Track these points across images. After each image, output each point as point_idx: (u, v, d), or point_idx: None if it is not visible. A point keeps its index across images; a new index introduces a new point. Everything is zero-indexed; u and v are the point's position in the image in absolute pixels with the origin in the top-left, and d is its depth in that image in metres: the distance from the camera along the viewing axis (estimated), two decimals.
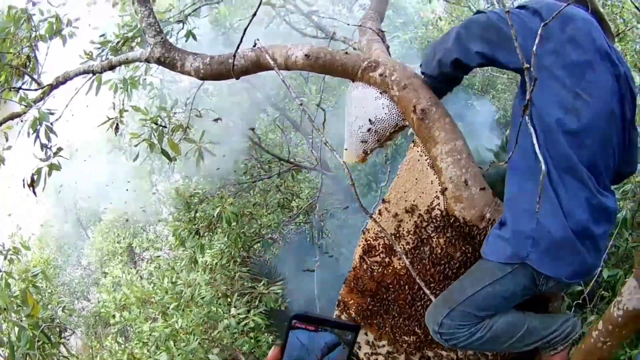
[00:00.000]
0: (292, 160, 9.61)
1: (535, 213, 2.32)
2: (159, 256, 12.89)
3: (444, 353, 3.16)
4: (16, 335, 4.92)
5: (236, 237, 8.15)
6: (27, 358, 5.23)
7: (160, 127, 6.19)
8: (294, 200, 10.28)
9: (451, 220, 2.78)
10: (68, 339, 10.40)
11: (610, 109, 2.43)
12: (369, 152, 3.19)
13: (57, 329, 6.03)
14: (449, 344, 2.64)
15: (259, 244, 8.83)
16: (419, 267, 2.92)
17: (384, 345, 3.27)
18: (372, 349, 3.30)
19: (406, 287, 3.03)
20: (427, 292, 2.86)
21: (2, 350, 5.09)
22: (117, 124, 6.24)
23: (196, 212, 8.71)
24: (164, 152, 6.12)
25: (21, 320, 5.12)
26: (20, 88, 5.51)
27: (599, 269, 2.66)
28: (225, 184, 9.53)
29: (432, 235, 2.86)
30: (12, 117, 5.49)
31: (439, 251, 2.85)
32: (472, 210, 2.70)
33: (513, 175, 2.54)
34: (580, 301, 4.61)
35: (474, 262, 2.75)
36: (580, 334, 2.74)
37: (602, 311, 5.01)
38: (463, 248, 2.80)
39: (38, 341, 5.12)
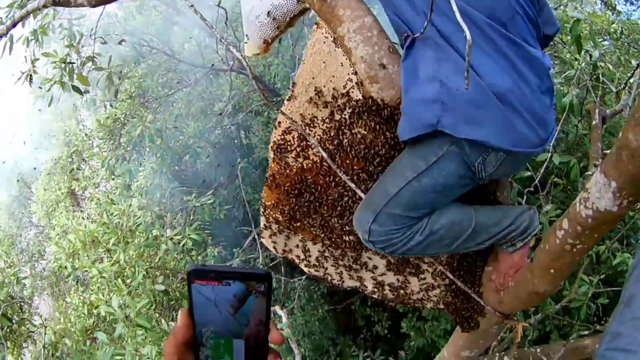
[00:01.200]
0: (207, 64, 9.36)
1: (437, 78, 2.13)
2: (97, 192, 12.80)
3: (386, 260, 3.04)
4: None
5: (163, 153, 7.99)
6: None
7: (69, 64, 6.03)
8: (217, 104, 10.09)
9: (369, 103, 2.57)
10: (35, 310, 10.36)
11: None
12: (269, 42, 2.98)
13: (18, 305, 5.93)
14: (386, 251, 2.42)
15: (188, 155, 8.67)
16: (339, 157, 2.73)
17: (320, 250, 3.15)
18: (305, 253, 3.19)
19: (330, 181, 2.85)
20: (352, 185, 2.68)
21: None
22: (31, 75, 6.10)
23: (120, 137, 8.54)
24: (74, 88, 6.03)
25: None
26: None
27: (545, 148, 2.30)
28: (145, 101, 9.35)
29: (349, 121, 2.66)
30: None
31: (359, 138, 2.65)
32: (390, 90, 2.48)
33: (411, 53, 2.27)
34: (532, 189, 4.43)
35: (400, 150, 2.52)
36: (539, 228, 2.57)
37: (557, 199, 5.00)
38: (386, 134, 2.58)
39: (2, 327, 5.00)
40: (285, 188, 2.97)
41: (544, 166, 4.53)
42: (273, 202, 3.05)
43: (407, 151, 2.38)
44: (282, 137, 2.90)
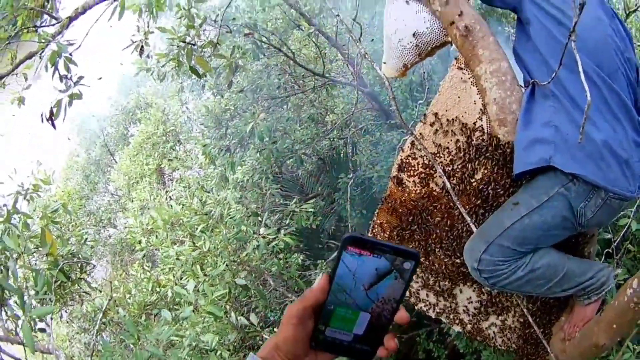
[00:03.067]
0: (326, 75, 9.36)
1: (552, 123, 2.46)
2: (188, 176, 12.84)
3: (478, 292, 3.17)
4: (33, 279, 4.82)
5: (268, 152, 7.99)
6: (47, 299, 5.17)
7: (189, 45, 6.04)
8: (328, 115, 10.11)
9: (494, 143, 2.73)
10: (91, 273, 10.47)
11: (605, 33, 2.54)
12: (408, 67, 3.12)
13: (79, 265, 5.98)
14: (489, 282, 2.65)
15: (291, 160, 8.67)
16: (459, 190, 2.88)
17: (419, 272, 3.25)
18: None
19: (444, 210, 2.97)
20: (468, 218, 2.83)
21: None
22: (142, 46, 6.16)
23: (227, 128, 8.58)
24: (192, 69, 6.05)
25: (38, 261, 5.03)
26: (37, 26, 5.37)
27: (636, 195, 2.55)
28: (258, 99, 9.38)
29: (473, 157, 2.81)
30: (29, 56, 5.42)
31: (481, 175, 2.82)
32: (514, 136, 2.66)
33: (532, 99, 2.58)
34: (610, 250, 4.49)
35: (513, 193, 2.76)
36: (612, 286, 2.79)
37: (627, 266, 4.99)
38: (504, 176, 2.77)
39: (56, 281, 5.02)
40: (400, 210, 3.09)
41: (623, 232, 4.68)
42: (384, 221, 3.18)
43: (522, 191, 2.65)
44: (407, 160, 3.03)
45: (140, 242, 8.06)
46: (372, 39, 9.37)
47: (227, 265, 6.14)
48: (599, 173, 2.41)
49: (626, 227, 4.66)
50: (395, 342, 1.15)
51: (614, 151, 2.42)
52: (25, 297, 4.15)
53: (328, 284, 1.09)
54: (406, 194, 3.05)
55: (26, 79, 5.83)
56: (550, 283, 2.62)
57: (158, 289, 7.50)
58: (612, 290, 2.82)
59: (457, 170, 2.87)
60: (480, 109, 2.75)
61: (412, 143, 2.99)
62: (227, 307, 6.14)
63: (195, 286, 5.58)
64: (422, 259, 3.11)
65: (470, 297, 3.17)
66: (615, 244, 4.57)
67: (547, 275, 2.61)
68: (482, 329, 3.24)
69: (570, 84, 2.42)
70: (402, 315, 1.12)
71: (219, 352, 5.48)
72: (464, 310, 3.22)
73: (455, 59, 2.85)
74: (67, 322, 8.91)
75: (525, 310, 2.98)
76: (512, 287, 2.65)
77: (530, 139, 2.52)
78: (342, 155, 9.76)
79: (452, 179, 2.88)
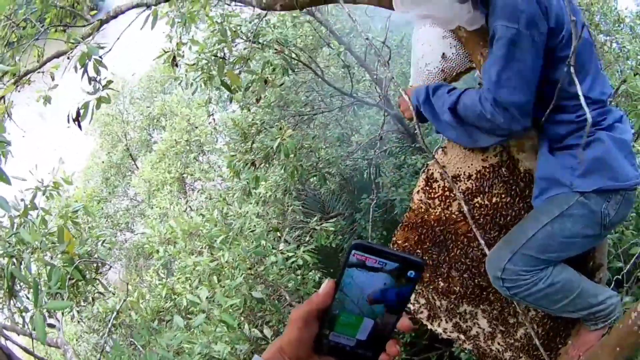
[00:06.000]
0: (354, 94, 9.42)
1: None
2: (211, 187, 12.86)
3: (489, 313, 3.19)
4: (47, 274, 4.85)
5: (293, 169, 8.02)
6: (58, 296, 5.20)
7: (220, 59, 6.11)
8: (354, 135, 10.14)
9: (512, 169, 2.83)
10: (105, 274, 10.50)
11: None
12: None
13: (94, 265, 6.01)
14: (510, 292, 2.68)
15: (315, 178, 8.70)
16: (476, 215, 2.94)
17: (427, 292, 3.29)
18: (413, 296, 3.30)
19: (462, 234, 3.03)
20: (482, 242, 2.86)
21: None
22: (175, 57, 6.20)
23: (253, 142, 8.62)
24: (223, 83, 6.13)
25: (54, 258, 5.07)
26: (67, 25, 5.44)
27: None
28: (285, 115, 9.43)
29: (493, 182, 2.88)
30: (58, 55, 5.46)
31: (498, 200, 2.89)
32: (533, 161, 2.75)
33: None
34: (620, 277, 4.55)
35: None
36: (619, 317, 2.79)
37: (636, 295, 5.06)
38: (520, 200, 2.87)
39: (71, 279, 5.05)
40: (418, 231, 3.14)
41: (633, 259, 4.74)
42: (402, 241, 3.22)
43: (543, 203, 2.67)
44: (428, 183, 3.07)
45: (158, 252, 8.12)
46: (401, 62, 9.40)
47: (244, 277, 6.18)
48: (615, 177, 2.52)
49: (637, 255, 4.73)
50: (397, 348, 1.18)
51: (622, 149, 2.56)
52: (41, 292, 4.19)
53: (334, 289, 1.12)
54: (425, 215, 3.10)
55: (53, 79, 5.90)
56: (566, 300, 2.67)
57: (172, 297, 7.53)
58: (618, 319, 2.77)
59: (475, 195, 2.93)
60: None
61: (433, 166, 3.04)
62: (242, 318, 6.18)
63: (209, 295, 5.63)
64: (438, 281, 3.17)
65: (481, 319, 3.22)
66: (625, 271, 4.63)
67: (564, 290, 2.65)
68: (490, 351, 3.29)
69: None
70: (404, 322, 1.15)
71: None
72: (474, 331, 3.27)
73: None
74: (77, 321, 8.94)
75: (533, 333, 3.02)
76: (530, 299, 2.70)
77: (550, 171, 2.61)
78: (365, 175, 9.78)
79: (470, 202, 2.95)
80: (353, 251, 1.06)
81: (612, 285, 4.43)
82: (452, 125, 2.67)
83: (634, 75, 6.15)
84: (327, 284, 1.13)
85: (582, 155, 2.36)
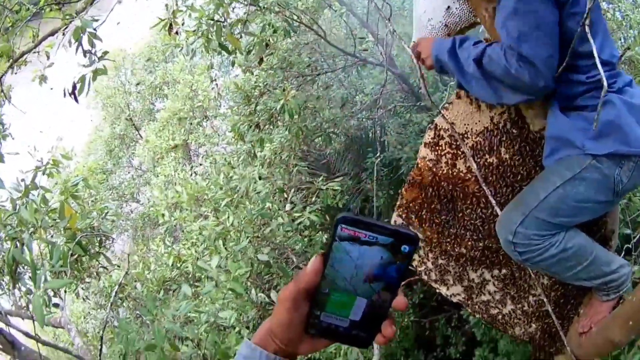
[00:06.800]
0: (357, 55, 9.35)
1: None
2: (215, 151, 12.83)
3: (499, 278, 3.19)
4: (49, 252, 4.81)
5: (297, 130, 8.00)
6: (62, 275, 5.18)
7: (218, 22, 6.06)
8: (357, 95, 10.09)
9: (521, 126, 2.80)
10: (110, 247, 10.50)
11: None
12: None
13: (97, 239, 5.98)
14: (522, 257, 2.66)
15: (320, 138, 8.66)
16: (485, 172, 2.92)
17: (435, 254, 3.28)
18: (421, 257, 3.31)
19: (470, 192, 3.01)
20: (493, 201, 2.87)
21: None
22: (171, 24, 6.17)
23: (257, 105, 8.58)
24: (222, 46, 6.10)
25: (55, 236, 5.03)
26: (61, 3, 5.39)
27: None
28: (288, 77, 9.37)
29: (500, 139, 2.85)
30: (52, 33, 5.45)
31: (507, 158, 2.86)
32: (541, 119, 2.71)
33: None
34: (629, 246, 4.53)
35: (537, 174, 2.83)
36: (630, 286, 2.82)
37: None
38: (528, 157, 2.85)
39: (73, 254, 5.01)
40: (426, 190, 3.11)
41: None
42: (409, 199, 3.19)
43: (554, 164, 2.64)
44: (435, 140, 3.03)
45: (163, 215, 8.10)
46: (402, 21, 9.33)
47: (250, 241, 6.16)
48: (628, 142, 2.47)
49: None
50: (393, 329, 1.12)
51: (633, 113, 2.50)
52: (40, 272, 4.16)
53: (321, 265, 1.06)
54: (433, 174, 3.07)
55: (48, 57, 5.87)
56: (579, 266, 2.65)
57: (178, 265, 7.53)
58: (628, 290, 2.82)
59: (484, 152, 2.89)
60: None
61: (440, 123, 3.00)
62: (248, 283, 6.16)
63: (219, 262, 5.60)
64: (447, 243, 3.14)
65: (491, 283, 3.20)
66: (634, 240, 4.62)
67: (577, 256, 2.62)
68: (500, 317, 3.27)
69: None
70: (399, 300, 1.10)
71: (237, 329, 5.50)
72: (483, 297, 3.25)
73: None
74: (84, 298, 8.93)
75: (545, 299, 3.01)
76: (543, 264, 2.67)
77: (562, 128, 2.57)
78: (370, 135, 9.75)
79: (478, 160, 2.91)
80: (340, 225, 1.01)
81: (622, 254, 4.44)
82: (477, 78, 2.59)
83: (638, 42, 6.12)
84: (314, 259, 1.08)
85: (596, 117, 2.23)
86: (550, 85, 2.41)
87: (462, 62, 2.62)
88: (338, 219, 1.01)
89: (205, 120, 14.22)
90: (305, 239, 6.99)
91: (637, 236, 4.69)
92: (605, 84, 2.01)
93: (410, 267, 1.11)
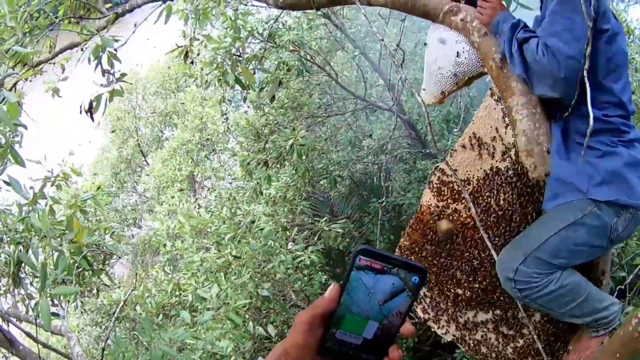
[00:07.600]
0: (367, 99, 9.46)
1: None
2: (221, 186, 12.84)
3: (493, 318, 3.27)
4: (54, 261, 4.86)
5: (304, 170, 8.07)
6: (64, 284, 5.21)
7: (235, 57, 6.14)
8: (365, 139, 10.18)
9: (518, 172, 2.92)
10: (112, 267, 10.52)
11: None
12: (446, 94, 3.22)
13: (102, 255, 6.02)
14: (521, 294, 2.78)
15: (325, 180, 8.74)
16: (484, 216, 3.03)
17: (432, 294, 3.38)
18: (419, 297, 3.39)
19: (468, 236, 3.13)
20: (489, 244, 2.95)
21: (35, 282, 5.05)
22: (187, 52, 6.23)
23: (266, 142, 8.65)
24: (237, 80, 6.12)
25: (62, 246, 5.08)
26: (81, 17, 5.46)
27: None
28: (298, 117, 9.45)
29: (500, 186, 2.97)
30: (71, 46, 5.48)
31: (506, 203, 2.98)
32: (541, 167, 2.77)
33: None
34: (623, 287, 4.61)
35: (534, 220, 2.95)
36: (619, 324, 2.89)
37: (639, 305, 5.11)
38: (528, 205, 2.96)
39: (78, 267, 5.06)
40: (426, 233, 3.24)
41: (636, 270, 4.86)
42: (409, 243, 3.32)
43: (556, 208, 2.77)
44: (438, 185, 3.16)
45: (165, 246, 8.14)
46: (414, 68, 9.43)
47: (250, 276, 6.21)
48: (629, 193, 2.63)
49: (639, 266, 4.84)
50: (400, 353, 1.20)
51: (637, 169, 2.65)
52: (50, 278, 4.22)
53: (339, 294, 1.14)
54: (435, 216, 3.19)
55: (63, 70, 5.92)
56: (573, 303, 2.76)
57: (178, 293, 7.56)
58: (618, 327, 2.82)
59: (484, 198, 3.01)
60: (511, 140, 2.91)
61: (444, 169, 3.13)
62: (247, 316, 6.21)
63: (219, 293, 5.66)
64: (445, 284, 3.25)
65: (485, 323, 3.29)
66: (628, 281, 4.69)
67: (572, 293, 2.76)
68: (493, 355, 3.35)
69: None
70: (407, 327, 1.18)
71: (233, 359, 5.55)
72: (477, 335, 3.33)
73: (490, 89, 2.98)
74: (81, 312, 8.95)
75: (536, 337, 3.10)
76: (541, 301, 2.78)
77: (568, 175, 2.69)
78: (375, 180, 9.81)
79: (478, 206, 3.02)
80: (359, 256, 1.10)
81: (615, 294, 4.51)
82: (517, 57, 2.70)
83: None
84: (332, 288, 1.16)
85: (600, 164, 2.51)
86: (572, 84, 2.52)
87: (513, 39, 2.74)
88: (358, 250, 1.11)
89: (212, 153, 14.31)
90: (305, 278, 7.03)
91: (631, 278, 4.78)
92: (591, 121, 2.25)
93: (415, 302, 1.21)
